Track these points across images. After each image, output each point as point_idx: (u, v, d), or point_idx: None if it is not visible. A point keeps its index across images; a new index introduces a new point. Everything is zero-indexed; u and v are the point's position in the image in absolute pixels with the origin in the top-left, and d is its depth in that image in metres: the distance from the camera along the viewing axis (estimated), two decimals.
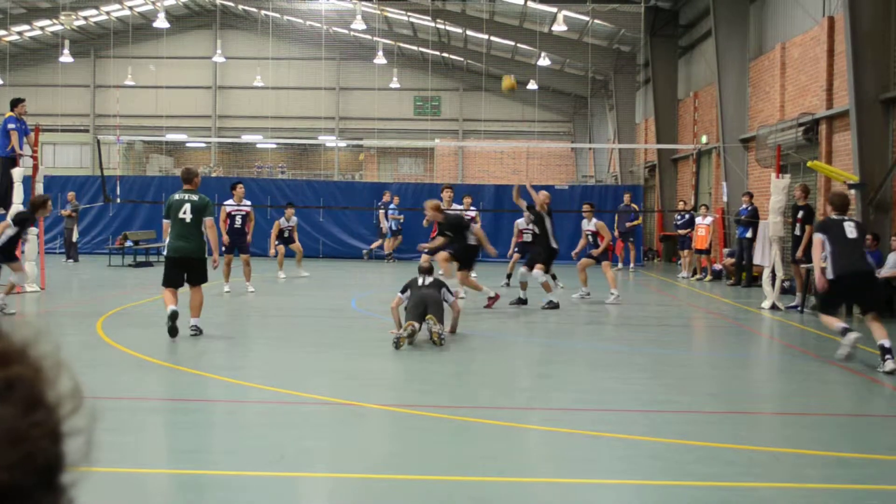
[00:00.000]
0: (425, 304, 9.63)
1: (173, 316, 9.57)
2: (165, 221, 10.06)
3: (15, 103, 14.17)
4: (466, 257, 13.01)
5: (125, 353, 8.99)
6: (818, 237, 9.40)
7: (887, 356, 8.68)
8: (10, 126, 13.94)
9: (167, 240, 10.09)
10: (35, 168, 14.81)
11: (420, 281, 10.03)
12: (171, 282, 9.89)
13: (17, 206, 14.07)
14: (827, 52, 16.62)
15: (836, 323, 9.15)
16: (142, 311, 12.45)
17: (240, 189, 15.83)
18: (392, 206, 24.69)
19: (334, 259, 25.35)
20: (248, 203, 16.30)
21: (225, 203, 15.77)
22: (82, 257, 23.39)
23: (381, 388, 7.88)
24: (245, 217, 15.62)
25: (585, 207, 15.90)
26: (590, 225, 15.28)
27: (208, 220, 10.05)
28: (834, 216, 9.66)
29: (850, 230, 9.41)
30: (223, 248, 14.16)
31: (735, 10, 21.48)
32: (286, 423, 6.27)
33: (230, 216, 15.49)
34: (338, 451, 5.63)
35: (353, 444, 5.84)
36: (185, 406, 6.77)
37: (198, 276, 9.99)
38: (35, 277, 14.30)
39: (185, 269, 9.92)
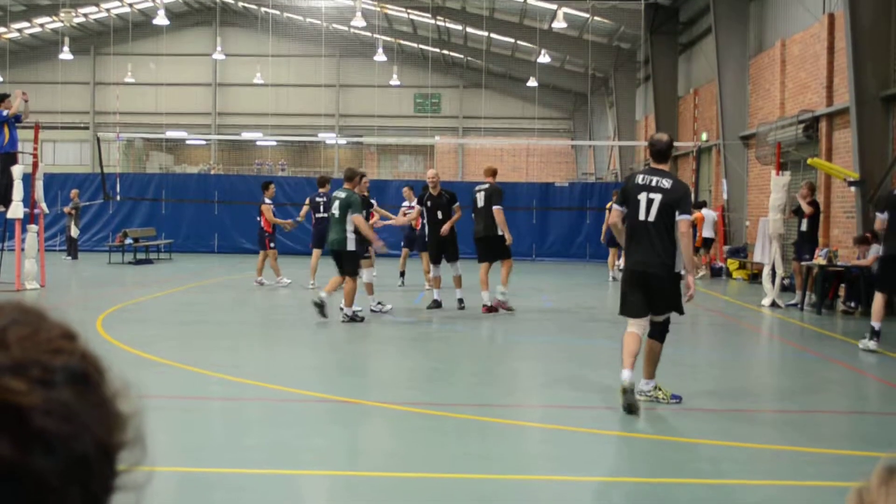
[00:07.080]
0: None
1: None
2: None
3: (1, 99, 14.06)
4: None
5: (125, 351, 8.98)
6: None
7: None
8: None
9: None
10: (35, 165, 14.77)
11: None
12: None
13: (17, 203, 14.03)
14: (827, 49, 16.59)
15: None
16: (142, 308, 12.45)
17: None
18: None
19: None
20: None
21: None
22: (82, 255, 23.38)
23: (380, 386, 7.88)
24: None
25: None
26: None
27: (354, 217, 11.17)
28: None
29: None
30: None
31: (735, 6, 21.46)
32: (286, 420, 6.27)
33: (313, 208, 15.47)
34: (338, 449, 5.63)
35: (353, 442, 5.84)
36: (184, 404, 6.77)
37: (342, 267, 11.33)
38: (35, 275, 14.29)
39: (335, 259, 11.44)
